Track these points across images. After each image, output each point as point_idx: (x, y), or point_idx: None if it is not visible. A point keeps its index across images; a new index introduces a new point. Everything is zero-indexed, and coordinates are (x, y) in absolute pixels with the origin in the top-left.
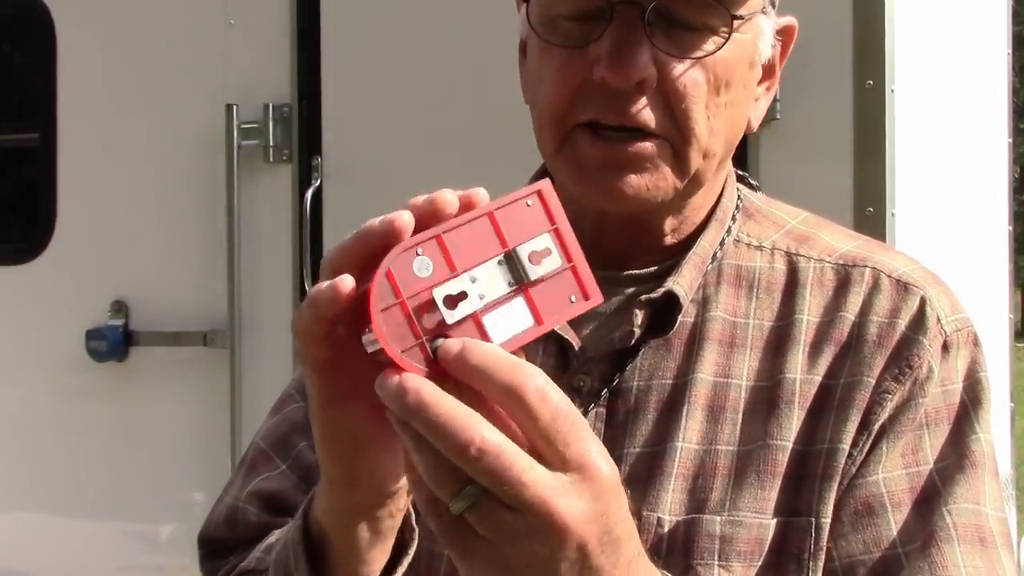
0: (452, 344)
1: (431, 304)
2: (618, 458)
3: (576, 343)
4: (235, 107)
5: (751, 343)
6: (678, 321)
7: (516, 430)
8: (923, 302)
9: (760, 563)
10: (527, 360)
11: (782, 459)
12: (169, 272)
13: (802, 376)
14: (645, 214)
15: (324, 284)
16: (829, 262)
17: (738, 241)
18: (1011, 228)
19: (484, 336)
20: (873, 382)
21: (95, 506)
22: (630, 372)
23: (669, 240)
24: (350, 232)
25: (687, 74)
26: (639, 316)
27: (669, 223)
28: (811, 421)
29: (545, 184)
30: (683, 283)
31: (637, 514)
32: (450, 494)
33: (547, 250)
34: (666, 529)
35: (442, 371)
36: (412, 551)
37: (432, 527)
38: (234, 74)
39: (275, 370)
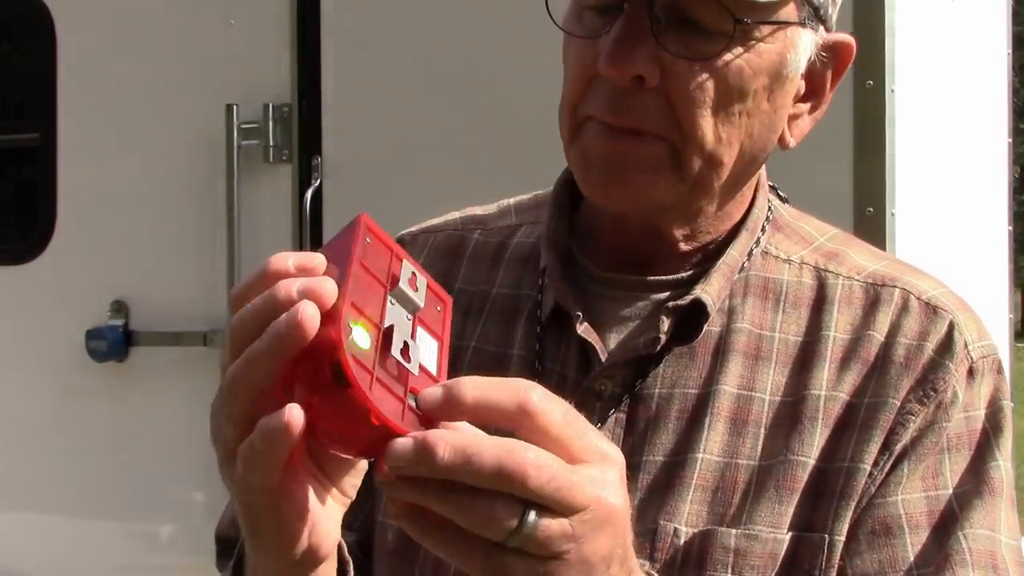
0: (432, 393)
1: (391, 366)
2: (637, 465)
3: (600, 347)
4: (235, 107)
5: (776, 357)
6: (704, 330)
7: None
8: (951, 326)
9: None
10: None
11: (802, 475)
12: (169, 272)
13: (827, 393)
14: (646, 217)
15: (271, 418)
16: (858, 280)
17: (766, 253)
18: (1011, 228)
19: (427, 374)
20: (898, 404)
21: (95, 506)
22: (652, 379)
23: (684, 247)
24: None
25: (691, 76)
26: (665, 323)
27: (679, 230)
28: (833, 438)
29: (366, 217)
30: (711, 291)
31: (653, 524)
32: (505, 531)
33: (413, 275)
34: (682, 540)
35: (428, 421)
36: (351, 574)
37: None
38: (234, 74)
39: None
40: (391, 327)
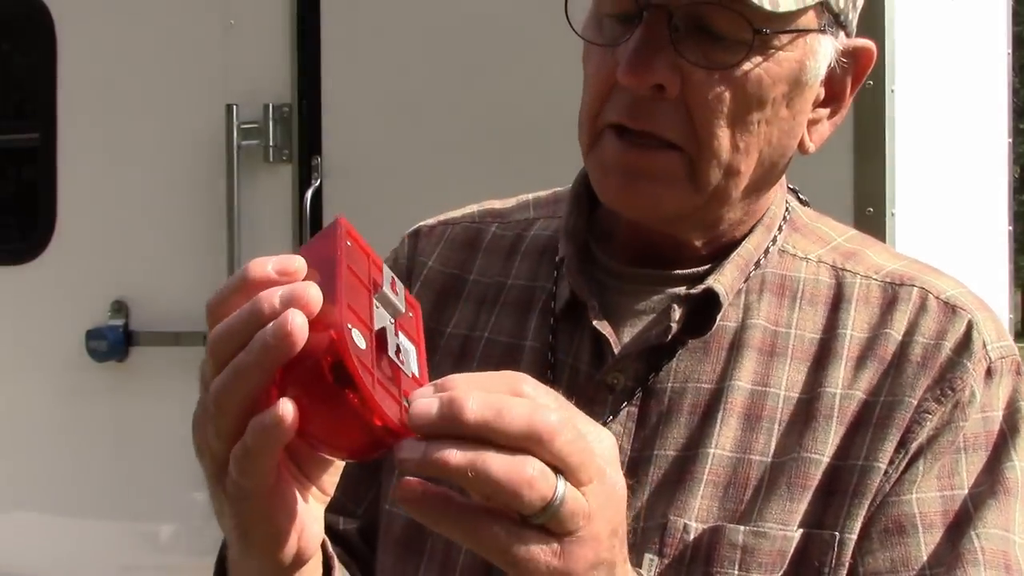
0: (424, 392)
1: (387, 368)
2: (648, 460)
3: (613, 340)
4: (235, 107)
5: (791, 353)
6: (717, 323)
7: None
8: (970, 326)
9: (780, 575)
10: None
11: (815, 472)
12: (169, 272)
13: (842, 391)
14: (663, 225)
15: (262, 417)
16: (876, 279)
17: (783, 251)
18: (1011, 228)
19: (413, 377)
20: (915, 403)
21: (95, 506)
22: (665, 373)
23: (702, 249)
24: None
25: (710, 86)
26: (677, 312)
27: (697, 238)
28: (848, 436)
29: (343, 220)
30: (724, 282)
31: (663, 518)
32: (540, 499)
33: (393, 279)
34: (692, 536)
35: None
36: (336, 570)
37: (507, 559)
38: (234, 74)
39: None
40: (383, 329)
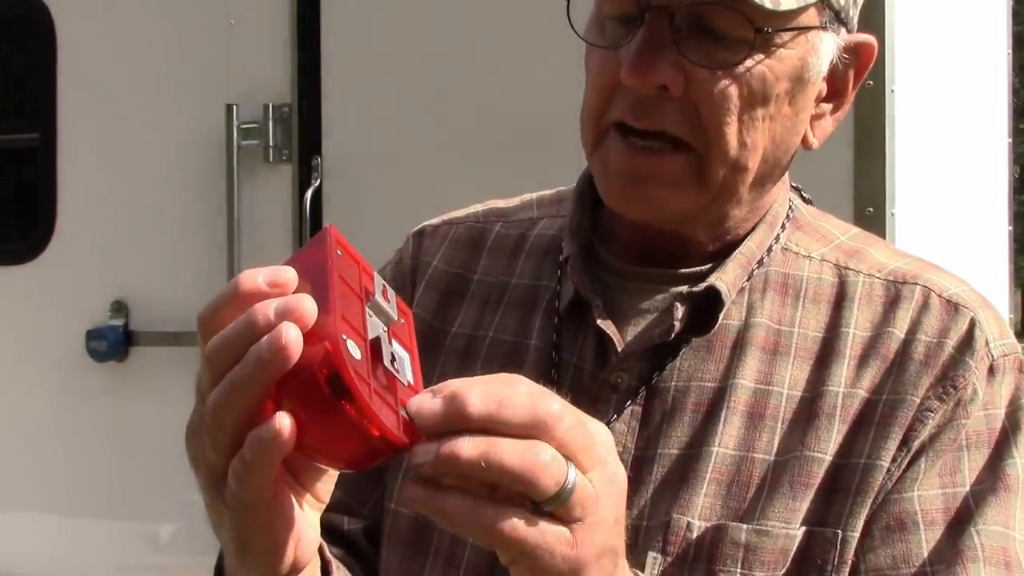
0: (421, 399)
1: (382, 377)
2: (652, 458)
3: (617, 339)
4: (235, 107)
5: (795, 352)
6: (720, 321)
7: None
8: (972, 324)
9: (783, 572)
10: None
11: (817, 471)
12: (169, 272)
13: (845, 389)
14: (668, 225)
15: (262, 431)
16: (879, 278)
17: (786, 249)
18: (1011, 228)
19: (408, 385)
20: (917, 401)
21: (95, 506)
22: (669, 372)
23: (708, 246)
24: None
25: (715, 84)
26: (680, 310)
27: (706, 235)
28: (851, 434)
29: (333, 229)
30: (726, 280)
31: (667, 516)
32: (555, 483)
33: (384, 287)
34: (695, 534)
35: (416, 431)
36: (334, 574)
37: (523, 548)
38: (234, 74)
39: None
40: (377, 338)
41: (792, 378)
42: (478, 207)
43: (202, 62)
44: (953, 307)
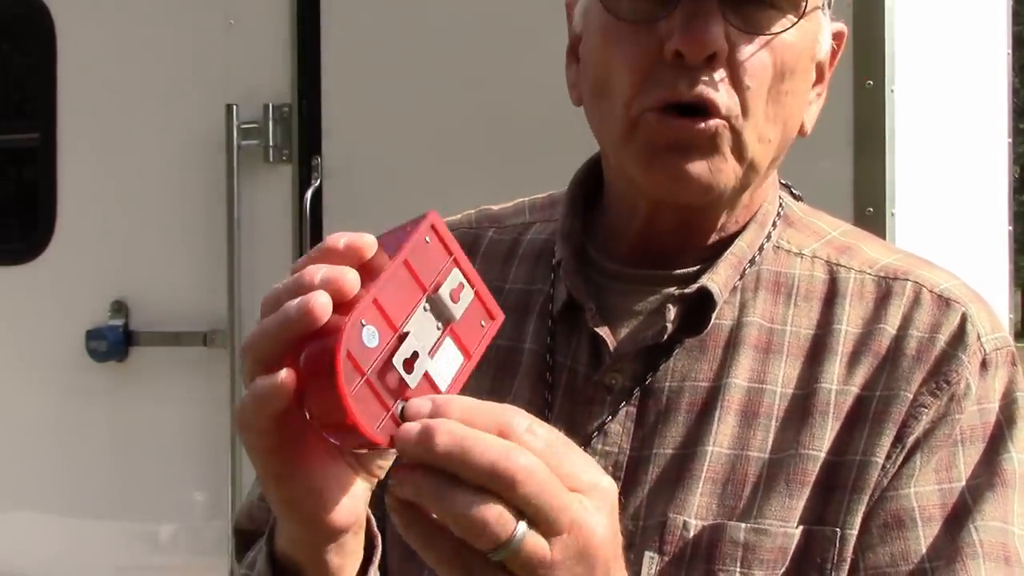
0: (419, 405)
1: (391, 372)
2: (647, 459)
3: (610, 340)
4: (235, 107)
5: (787, 350)
6: (712, 321)
7: None
8: (964, 318)
9: (782, 571)
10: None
11: (812, 468)
12: (169, 272)
13: (838, 386)
14: (704, 206)
15: (264, 379)
16: (870, 274)
17: (778, 247)
18: (1011, 228)
19: (433, 387)
20: (910, 397)
21: (95, 506)
22: (663, 372)
23: (715, 238)
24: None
25: (755, 52)
26: (672, 311)
27: (722, 218)
28: (844, 432)
29: (434, 216)
30: (718, 280)
31: (663, 516)
32: (495, 540)
33: (460, 284)
34: (692, 534)
35: None
36: (379, 550)
37: None
38: (234, 74)
39: None
40: (407, 333)
41: (785, 376)
42: (471, 212)
43: (202, 62)
44: (944, 302)
